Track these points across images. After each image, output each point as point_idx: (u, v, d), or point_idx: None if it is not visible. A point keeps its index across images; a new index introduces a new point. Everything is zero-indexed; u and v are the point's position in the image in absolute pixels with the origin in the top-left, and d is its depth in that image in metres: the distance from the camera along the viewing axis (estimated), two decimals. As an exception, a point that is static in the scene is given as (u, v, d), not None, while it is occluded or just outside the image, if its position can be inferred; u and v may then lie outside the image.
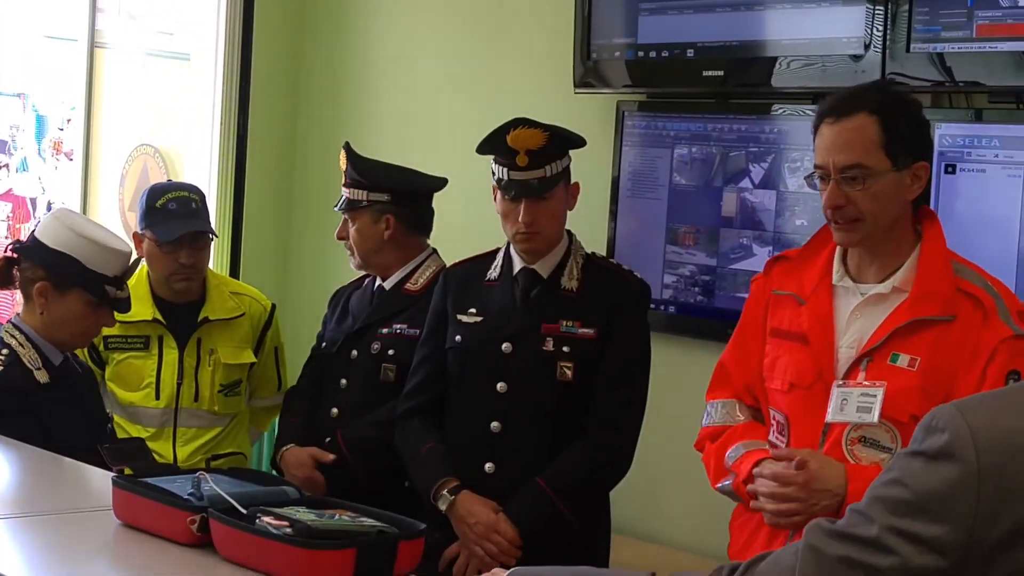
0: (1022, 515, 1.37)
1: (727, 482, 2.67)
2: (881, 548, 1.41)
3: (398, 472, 3.31)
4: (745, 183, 3.77)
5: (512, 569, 1.87)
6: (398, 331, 3.49)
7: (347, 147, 3.61)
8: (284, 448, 3.55)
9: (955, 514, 1.38)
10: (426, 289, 3.48)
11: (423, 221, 3.61)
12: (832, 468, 2.46)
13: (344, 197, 3.58)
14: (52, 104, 5.47)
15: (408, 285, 3.55)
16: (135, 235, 3.74)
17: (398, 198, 3.53)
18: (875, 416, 2.45)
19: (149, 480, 2.46)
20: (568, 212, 3.23)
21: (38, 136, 5.54)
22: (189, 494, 2.36)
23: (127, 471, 2.55)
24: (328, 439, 3.50)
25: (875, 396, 2.46)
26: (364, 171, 3.56)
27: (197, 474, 2.41)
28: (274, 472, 3.50)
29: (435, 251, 3.63)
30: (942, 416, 1.42)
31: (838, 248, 2.63)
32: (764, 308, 2.72)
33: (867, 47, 3.43)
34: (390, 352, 3.48)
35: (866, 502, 1.46)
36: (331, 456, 3.47)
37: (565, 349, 3.12)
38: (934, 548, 1.39)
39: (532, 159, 3.10)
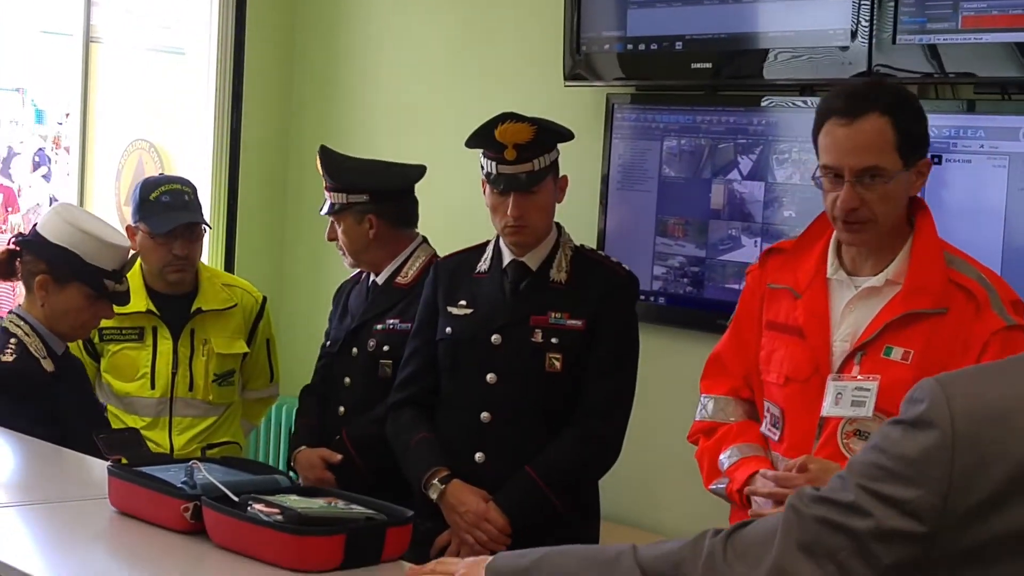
0: (998, 481, 1.37)
1: (720, 485, 2.68)
2: (857, 511, 1.43)
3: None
4: (734, 175, 3.79)
5: (496, 554, 1.91)
6: (391, 326, 3.50)
7: (322, 151, 3.59)
8: (296, 450, 3.58)
9: (929, 479, 1.39)
10: (416, 281, 3.50)
11: (406, 215, 3.60)
12: (831, 472, 2.45)
13: (327, 201, 3.59)
14: (51, 99, 5.49)
15: (399, 279, 3.56)
16: (128, 228, 3.77)
17: (377, 196, 3.52)
18: (869, 410, 2.46)
19: (144, 469, 2.50)
20: (558, 205, 3.24)
21: (37, 131, 5.56)
22: (183, 483, 2.40)
23: (123, 460, 2.59)
24: (337, 437, 3.53)
25: (869, 390, 2.47)
26: (339, 174, 3.55)
27: (190, 463, 2.45)
28: (292, 473, 3.52)
29: (424, 240, 3.63)
30: (923, 387, 1.44)
31: (832, 240, 2.62)
32: (759, 300, 2.72)
33: (854, 37, 3.45)
34: (385, 348, 3.49)
35: (847, 469, 1.49)
36: (339, 456, 3.48)
37: (554, 340, 3.13)
38: (908, 511, 1.40)
39: (520, 153, 3.11)
